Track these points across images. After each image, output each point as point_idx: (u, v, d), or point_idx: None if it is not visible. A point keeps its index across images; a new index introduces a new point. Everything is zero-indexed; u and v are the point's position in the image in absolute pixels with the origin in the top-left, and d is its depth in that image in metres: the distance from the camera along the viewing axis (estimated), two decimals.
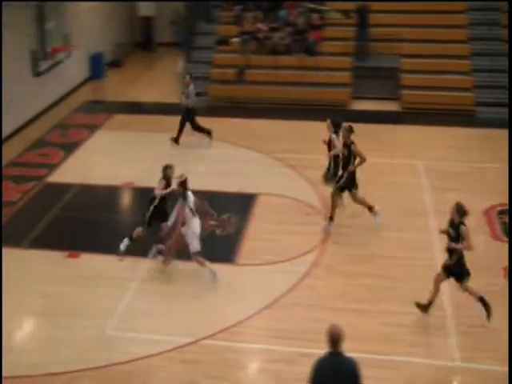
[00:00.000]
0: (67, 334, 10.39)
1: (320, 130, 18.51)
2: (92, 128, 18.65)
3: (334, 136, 13.59)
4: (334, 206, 13.21)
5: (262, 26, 21.80)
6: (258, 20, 21.88)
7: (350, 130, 12.88)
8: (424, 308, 10.68)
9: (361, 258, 12.35)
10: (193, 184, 15.15)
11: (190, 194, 11.58)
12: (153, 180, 14.57)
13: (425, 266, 11.95)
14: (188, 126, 17.35)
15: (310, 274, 11.93)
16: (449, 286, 11.30)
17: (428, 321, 10.62)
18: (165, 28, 27.21)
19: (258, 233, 13.38)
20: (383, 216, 13.34)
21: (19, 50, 18.37)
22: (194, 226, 11.48)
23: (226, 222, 13.86)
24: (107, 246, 12.70)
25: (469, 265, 10.17)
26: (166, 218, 11.89)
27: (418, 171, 15.83)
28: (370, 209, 13.21)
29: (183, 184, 11.50)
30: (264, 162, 16.66)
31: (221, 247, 13.02)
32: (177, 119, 19.48)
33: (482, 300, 10.47)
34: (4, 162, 16.61)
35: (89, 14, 23.53)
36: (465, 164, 16.18)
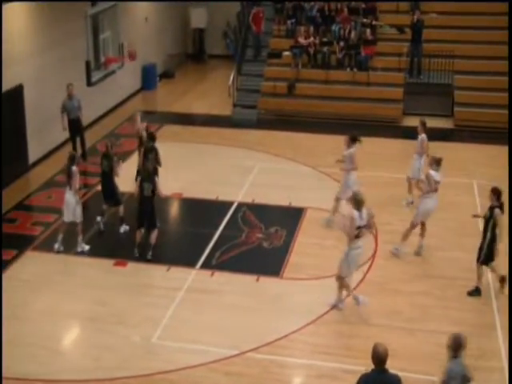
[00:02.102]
0: (113, 341, 10.44)
1: (370, 145, 18.42)
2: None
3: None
4: None
5: (315, 40, 21.75)
6: (310, 34, 21.83)
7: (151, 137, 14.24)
8: None
9: (411, 277, 12.14)
10: (240, 196, 15.27)
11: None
12: (201, 191, 14.69)
13: None
14: None
15: (358, 290, 11.73)
16: (497, 309, 11.09)
17: (479, 343, 10.34)
18: (217, 40, 27.42)
19: (304, 247, 13.29)
20: (437, 235, 13.13)
21: (75, 61, 18.67)
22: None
23: (273, 235, 13.79)
24: (154, 256, 12.74)
25: None
26: None
27: (473, 190, 15.51)
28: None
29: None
30: (312, 176, 16.57)
31: (267, 260, 12.96)
32: (227, 131, 19.62)
33: None
34: (56, 170, 16.86)
35: (142, 26, 23.83)
36: None
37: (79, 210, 13.05)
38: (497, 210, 11.06)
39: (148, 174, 12.79)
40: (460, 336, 7.66)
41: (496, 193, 11.17)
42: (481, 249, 11.41)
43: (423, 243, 12.99)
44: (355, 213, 10.68)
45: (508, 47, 20.28)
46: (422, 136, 14.56)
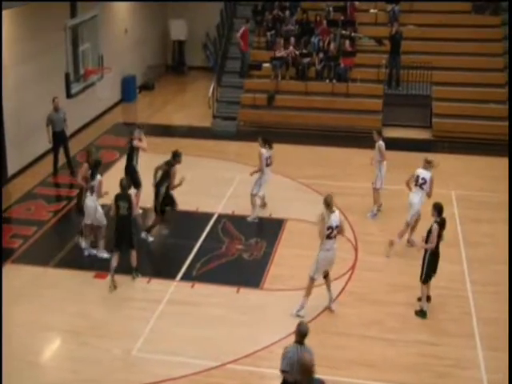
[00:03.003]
0: (93, 353, 10.38)
1: (350, 156, 18.56)
2: (122, 150, 18.72)
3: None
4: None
5: (294, 50, 21.83)
6: (289, 45, 21.92)
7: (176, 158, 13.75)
8: None
9: (391, 288, 12.20)
10: (221, 207, 15.27)
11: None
12: (181, 203, 14.64)
13: (457, 297, 11.81)
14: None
15: (339, 301, 11.78)
16: (477, 318, 11.18)
17: (458, 352, 10.43)
18: (196, 52, 27.45)
19: (284, 258, 13.31)
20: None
21: (54, 72, 18.63)
22: None
23: (253, 246, 13.80)
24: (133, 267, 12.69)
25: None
26: None
27: (451, 201, 15.61)
28: None
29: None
30: (292, 187, 16.61)
31: (248, 272, 12.97)
32: (207, 143, 19.62)
33: None
34: (36, 182, 16.82)
35: (122, 37, 23.83)
36: (498, 194, 15.94)
37: (100, 213, 13.02)
38: (434, 225, 11.06)
39: (123, 190, 12.26)
40: (305, 324, 8.28)
41: (436, 208, 11.21)
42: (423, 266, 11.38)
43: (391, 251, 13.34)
44: (326, 213, 10.98)
45: (508, 58, 20.64)
46: (380, 143, 14.73)
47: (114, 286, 12.08)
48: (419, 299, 11.60)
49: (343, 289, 12.19)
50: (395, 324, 11.16)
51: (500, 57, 21.65)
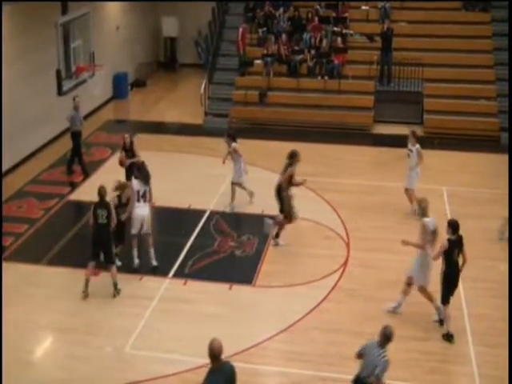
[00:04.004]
0: (86, 351, 10.39)
1: (342, 153, 18.60)
2: (114, 147, 18.71)
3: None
4: None
5: (286, 48, 21.84)
6: (281, 42, 21.93)
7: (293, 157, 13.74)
8: None
9: (383, 284, 12.21)
10: (213, 205, 15.29)
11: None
12: (173, 200, 14.70)
13: None
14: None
15: (330, 297, 11.83)
16: (468, 314, 11.22)
17: (449, 348, 10.49)
18: (188, 49, 27.44)
19: (276, 255, 13.34)
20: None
21: (46, 70, 18.59)
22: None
23: (246, 243, 13.82)
24: (127, 265, 12.69)
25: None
26: None
27: (443, 197, 15.68)
28: None
29: None
30: None
31: (240, 268, 13.00)
32: (199, 140, 19.60)
33: None
34: (27, 179, 16.79)
35: (113, 34, 23.79)
36: (489, 190, 16.02)
37: (149, 221, 12.71)
38: (445, 242, 10.53)
39: (101, 198, 11.69)
40: (391, 328, 8.22)
41: (450, 225, 10.62)
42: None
43: None
44: (426, 220, 10.82)
45: (508, 53, 20.77)
46: (417, 146, 14.64)
47: (86, 295, 11.79)
48: (440, 322, 11.09)
49: (335, 285, 12.23)
50: (387, 320, 11.12)
51: (490, 53, 21.73)
